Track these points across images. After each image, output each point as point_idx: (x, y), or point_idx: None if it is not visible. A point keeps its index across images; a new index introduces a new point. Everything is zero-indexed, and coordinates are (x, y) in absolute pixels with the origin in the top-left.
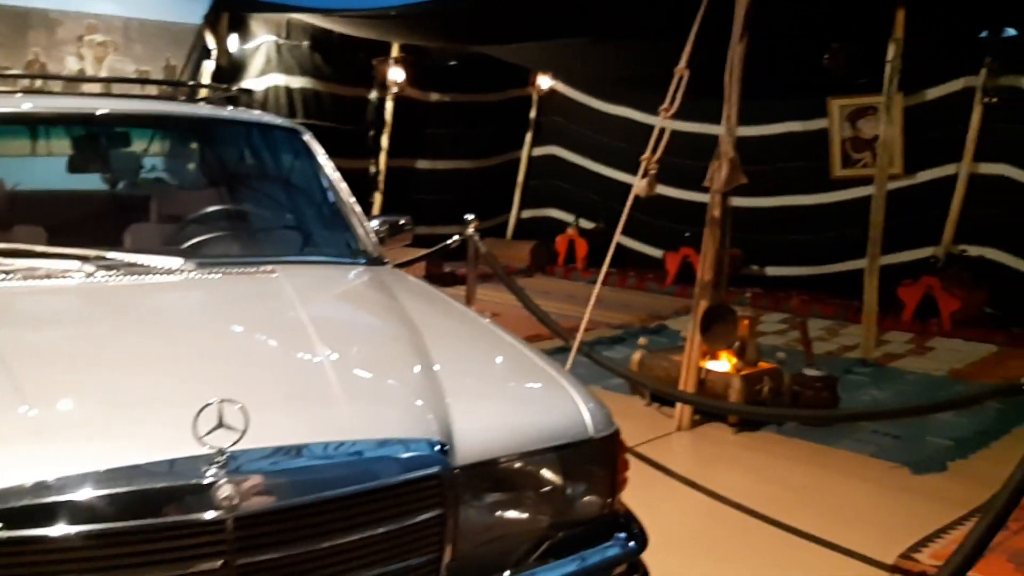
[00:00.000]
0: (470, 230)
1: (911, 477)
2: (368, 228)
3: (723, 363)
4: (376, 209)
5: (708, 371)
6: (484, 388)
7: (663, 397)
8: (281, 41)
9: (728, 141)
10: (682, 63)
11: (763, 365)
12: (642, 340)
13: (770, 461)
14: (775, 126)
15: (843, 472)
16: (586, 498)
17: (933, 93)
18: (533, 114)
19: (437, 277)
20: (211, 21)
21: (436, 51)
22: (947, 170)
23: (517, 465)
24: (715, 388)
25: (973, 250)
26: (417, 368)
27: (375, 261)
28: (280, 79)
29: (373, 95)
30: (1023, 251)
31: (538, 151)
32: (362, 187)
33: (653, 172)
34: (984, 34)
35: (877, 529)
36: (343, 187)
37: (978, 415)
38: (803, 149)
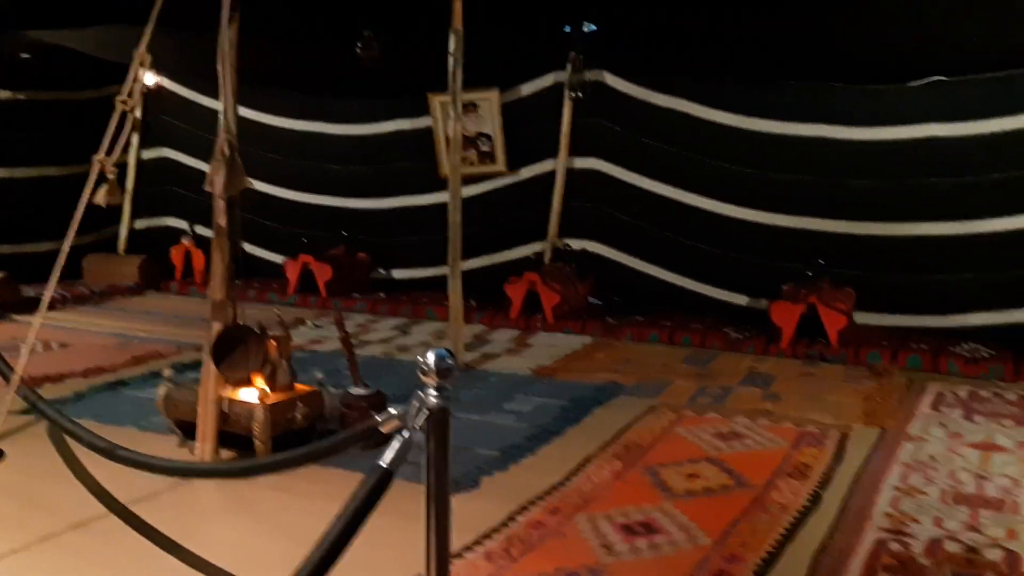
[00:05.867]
0: None
1: None
2: None
3: (254, 391)
4: None
5: (232, 402)
6: None
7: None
8: None
9: (225, 140)
10: (141, 47)
11: (300, 388)
12: (166, 372)
13: (291, 503)
14: (385, 124)
15: None
16: None
17: (527, 89)
18: (139, 113)
19: (13, 304)
20: None
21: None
22: (546, 166)
23: None
24: (240, 421)
25: (576, 243)
26: None
27: None
28: None
29: None
30: (618, 242)
31: (148, 154)
32: None
33: (112, 176)
34: (568, 28)
35: None
36: None
37: (540, 416)
38: (414, 148)
